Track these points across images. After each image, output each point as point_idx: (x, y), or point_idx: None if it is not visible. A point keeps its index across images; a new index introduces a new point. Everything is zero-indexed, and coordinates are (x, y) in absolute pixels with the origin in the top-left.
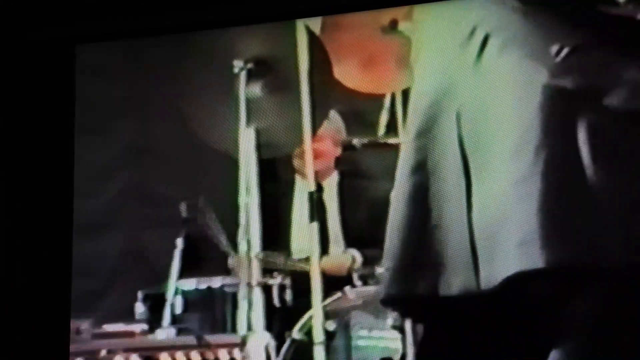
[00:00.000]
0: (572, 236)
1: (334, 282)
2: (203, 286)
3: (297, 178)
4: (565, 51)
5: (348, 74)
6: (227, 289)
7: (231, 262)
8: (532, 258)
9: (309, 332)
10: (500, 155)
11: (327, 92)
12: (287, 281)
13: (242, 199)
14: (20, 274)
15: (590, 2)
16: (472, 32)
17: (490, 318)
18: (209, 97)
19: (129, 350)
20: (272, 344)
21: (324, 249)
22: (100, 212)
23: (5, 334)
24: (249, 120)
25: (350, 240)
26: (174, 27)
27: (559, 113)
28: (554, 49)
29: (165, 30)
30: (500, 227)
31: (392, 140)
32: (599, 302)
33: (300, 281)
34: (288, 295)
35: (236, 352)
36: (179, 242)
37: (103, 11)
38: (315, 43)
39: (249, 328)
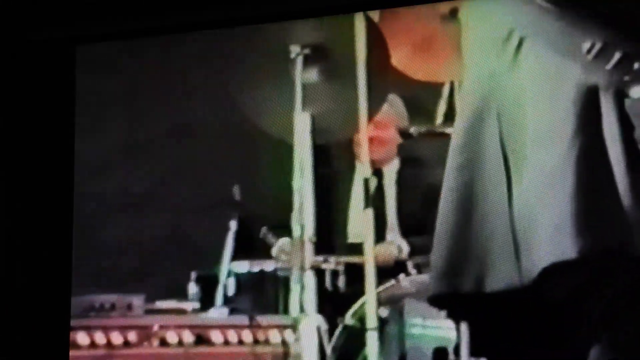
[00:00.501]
0: (603, 226)
1: (387, 270)
2: (256, 269)
3: (357, 164)
4: (596, 48)
5: (405, 60)
6: (280, 273)
7: (275, 250)
8: (564, 246)
9: (361, 319)
10: (536, 149)
11: (384, 79)
12: (341, 267)
13: (296, 182)
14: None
15: None
16: (509, 35)
17: (530, 310)
18: (263, 82)
19: (181, 327)
20: (324, 326)
21: (381, 236)
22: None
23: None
24: (304, 106)
25: (405, 228)
26: (180, 27)
27: (590, 108)
28: (586, 46)
29: (168, 30)
30: (536, 218)
31: (449, 130)
32: (627, 291)
33: (354, 268)
34: (341, 281)
35: (287, 334)
36: (232, 225)
37: (104, 11)
38: (372, 29)
39: (301, 310)
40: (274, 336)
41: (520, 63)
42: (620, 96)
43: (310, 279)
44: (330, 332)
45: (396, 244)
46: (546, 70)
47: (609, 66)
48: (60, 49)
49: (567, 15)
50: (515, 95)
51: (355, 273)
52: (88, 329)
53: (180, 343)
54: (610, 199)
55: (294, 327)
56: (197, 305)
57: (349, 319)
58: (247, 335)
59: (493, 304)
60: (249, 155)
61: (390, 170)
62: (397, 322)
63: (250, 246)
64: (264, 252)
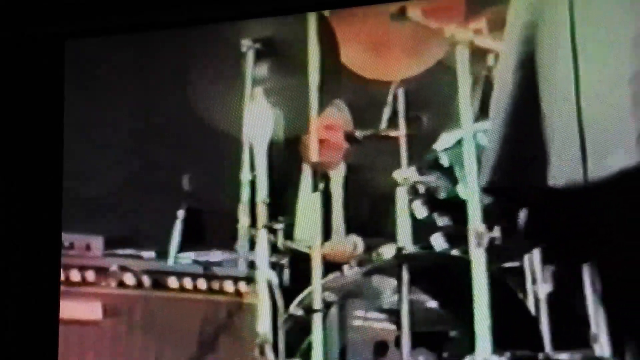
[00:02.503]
0: None
1: (333, 267)
2: (201, 259)
3: (305, 166)
4: None
5: (355, 58)
6: (226, 265)
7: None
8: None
9: (307, 309)
10: (615, 48)
11: (334, 76)
12: (285, 261)
13: (245, 176)
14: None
15: None
16: None
17: (593, 210)
18: (214, 76)
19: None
20: (275, 280)
21: (327, 238)
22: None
23: None
24: (255, 101)
25: (352, 231)
26: (166, 23)
27: None
28: None
29: (158, 26)
30: (614, 121)
31: (393, 133)
32: None
33: (300, 264)
34: (286, 275)
35: (242, 285)
36: (180, 214)
37: (93, 6)
38: (324, 25)
39: (253, 267)
40: (229, 286)
41: None
42: None
43: (263, 236)
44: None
45: (352, 241)
46: None
47: None
48: (49, 45)
49: None
50: None
51: (302, 268)
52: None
53: (139, 285)
54: None
55: (247, 279)
56: (153, 254)
57: (294, 308)
58: (202, 284)
59: (552, 197)
60: (199, 148)
61: (337, 175)
62: (339, 315)
63: (198, 237)
64: (213, 242)
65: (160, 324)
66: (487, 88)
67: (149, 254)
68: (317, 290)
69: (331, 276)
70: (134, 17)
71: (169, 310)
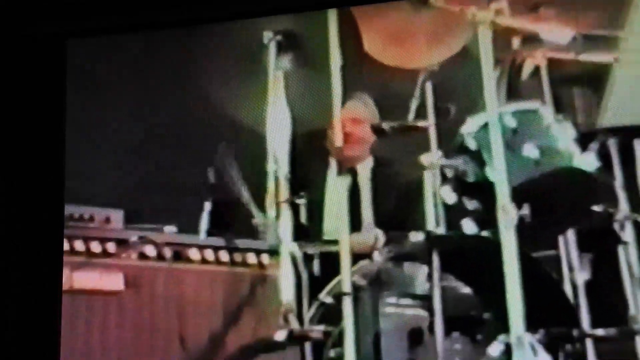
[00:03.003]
0: None
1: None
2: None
3: (331, 160)
4: None
5: (378, 47)
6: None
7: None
8: None
9: (337, 296)
10: None
11: (357, 66)
12: (317, 251)
13: (271, 165)
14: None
15: None
16: None
17: None
18: (236, 69)
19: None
20: (299, 253)
21: (356, 231)
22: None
23: None
24: (278, 94)
25: (380, 224)
26: (167, 22)
27: None
28: None
29: (159, 26)
30: None
31: (421, 124)
32: None
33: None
34: (316, 266)
35: (264, 257)
36: (207, 206)
37: (94, 5)
38: (345, 16)
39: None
40: (251, 259)
41: None
42: None
43: (286, 210)
44: (305, 257)
45: (373, 234)
46: None
47: None
48: (51, 44)
49: None
50: None
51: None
52: (67, 237)
53: (160, 257)
54: None
55: (270, 252)
56: (174, 228)
57: (324, 296)
58: (224, 256)
59: None
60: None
61: (365, 168)
62: (371, 302)
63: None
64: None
65: (182, 295)
66: (514, 71)
67: (170, 228)
68: (346, 275)
69: (361, 263)
70: (135, 16)
71: (191, 282)
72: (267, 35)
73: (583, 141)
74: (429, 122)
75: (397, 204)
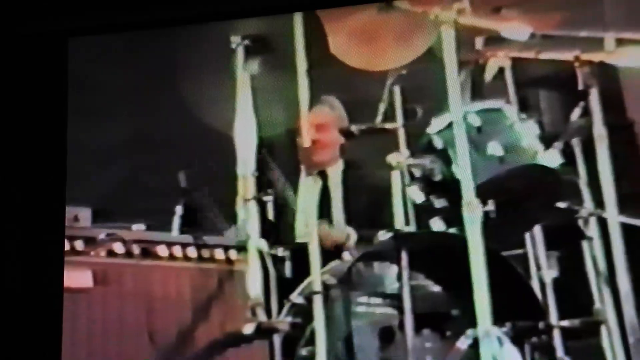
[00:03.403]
0: None
1: (332, 256)
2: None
3: (302, 167)
4: None
5: (343, 49)
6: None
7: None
8: None
9: (308, 297)
10: None
11: (324, 69)
12: (287, 253)
13: (240, 167)
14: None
15: None
16: None
17: None
18: (204, 74)
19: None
20: (266, 249)
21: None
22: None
23: None
24: (246, 98)
25: (351, 224)
26: (167, 20)
27: None
28: None
29: (159, 24)
30: None
31: (389, 126)
32: None
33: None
34: (288, 267)
35: (232, 253)
36: (178, 210)
37: (96, 4)
38: (311, 18)
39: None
40: (219, 254)
41: None
42: None
43: (252, 208)
44: (273, 257)
45: (346, 232)
46: None
47: None
48: (53, 42)
49: None
50: None
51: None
52: None
53: (128, 254)
54: None
55: (238, 248)
56: (142, 226)
57: (296, 297)
58: (192, 252)
59: None
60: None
61: (335, 171)
62: (342, 302)
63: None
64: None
65: (151, 292)
66: (478, 71)
67: (139, 225)
68: (316, 274)
69: (331, 264)
70: (136, 15)
71: (159, 278)
72: (235, 39)
73: (547, 139)
74: (398, 124)
75: (367, 205)
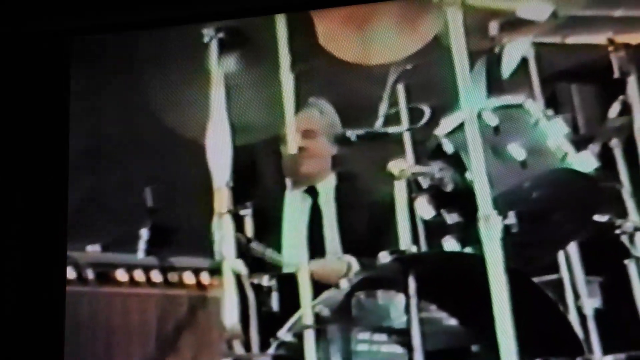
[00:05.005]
0: None
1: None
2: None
3: (288, 182)
4: None
5: (334, 39)
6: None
7: None
8: None
9: (299, 335)
10: None
11: (311, 64)
12: (273, 283)
13: (215, 179)
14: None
15: None
16: None
17: None
18: (173, 73)
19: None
20: (244, 271)
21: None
22: None
23: None
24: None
25: (349, 250)
26: (167, 20)
27: None
28: None
29: (158, 24)
30: None
31: (393, 130)
32: None
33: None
34: (274, 300)
35: (204, 276)
36: (144, 233)
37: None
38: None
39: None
40: (189, 279)
41: None
42: None
43: (227, 223)
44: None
45: (346, 261)
46: None
47: None
48: (55, 41)
49: None
50: None
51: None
52: None
53: (82, 279)
54: None
55: (212, 270)
56: (97, 247)
57: (284, 334)
58: (157, 277)
59: None
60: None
61: (326, 187)
62: (342, 338)
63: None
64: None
65: (110, 321)
66: (494, 61)
67: (93, 247)
68: (307, 306)
69: (326, 294)
70: (137, 15)
71: (119, 307)
72: (208, 32)
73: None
74: (403, 127)
75: (367, 225)
